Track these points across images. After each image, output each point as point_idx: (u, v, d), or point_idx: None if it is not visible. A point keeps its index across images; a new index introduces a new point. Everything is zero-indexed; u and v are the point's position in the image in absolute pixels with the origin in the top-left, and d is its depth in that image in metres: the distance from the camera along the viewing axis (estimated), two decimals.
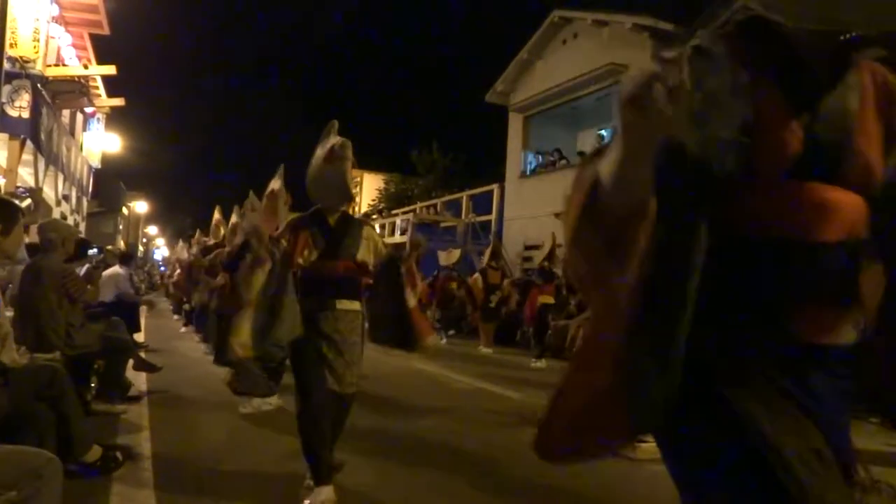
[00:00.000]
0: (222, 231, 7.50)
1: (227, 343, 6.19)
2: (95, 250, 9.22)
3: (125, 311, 6.99)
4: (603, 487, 3.76)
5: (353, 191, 3.45)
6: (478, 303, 11.54)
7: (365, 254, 3.30)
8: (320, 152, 3.26)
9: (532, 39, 17.02)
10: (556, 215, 15.85)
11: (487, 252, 12.17)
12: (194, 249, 11.31)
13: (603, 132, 16.43)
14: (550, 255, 10.68)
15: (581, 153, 16.65)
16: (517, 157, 18.31)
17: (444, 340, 12.35)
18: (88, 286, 5.14)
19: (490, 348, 11.15)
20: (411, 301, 3.34)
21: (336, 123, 3.35)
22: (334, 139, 3.26)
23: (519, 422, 5.35)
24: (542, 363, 9.48)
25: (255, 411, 5.01)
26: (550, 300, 10.27)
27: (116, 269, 8.14)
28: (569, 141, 17.68)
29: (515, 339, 12.05)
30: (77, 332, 4.50)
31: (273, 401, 5.14)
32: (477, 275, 12.43)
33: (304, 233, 3.21)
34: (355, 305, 3.24)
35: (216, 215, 8.47)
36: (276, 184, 5.52)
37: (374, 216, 22.74)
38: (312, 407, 3.08)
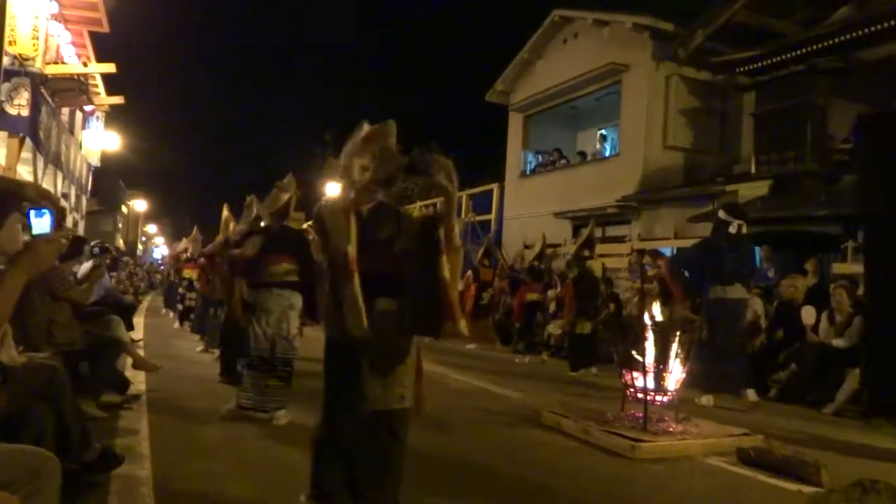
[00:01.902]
0: (231, 226, 7.44)
1: (234, 357, 6.11)
2: (98, 249, 9.09)
3: (121, 311, 6.90)
4: (602, 487, 3.75)
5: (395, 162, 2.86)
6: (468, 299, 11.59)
7: (404, 242, 2.78)
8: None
9: (532, 39, 17.01)
10: (556, 215, 15.89)
11: (480, 250, 12.29)
12: (191, 248, 11.26)
13: (603, 132, 16.42)
14: (540, 255, 10.73)
15: (581, 153, 16.66)
16: (517, 156, 18.31)
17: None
18: (84, 285, 5.08)
19: (474, 345, 10.95)
20: (446, 271, 2.64)
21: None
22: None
23: (518, 421, 5.35)
24: (526, 359, 9.59)
25: (288, 423, 4.76)
26: (538, 297, 10.44)
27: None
28: (569, 141, 17.68)
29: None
30: (59, 330, 4.40)
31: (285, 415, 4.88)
32: (468, 272, 12.51)
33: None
34: (397, 305, 2.77)
35: (224, 212, 8.41)
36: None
37: None
38: (332, 429, 2.78)
